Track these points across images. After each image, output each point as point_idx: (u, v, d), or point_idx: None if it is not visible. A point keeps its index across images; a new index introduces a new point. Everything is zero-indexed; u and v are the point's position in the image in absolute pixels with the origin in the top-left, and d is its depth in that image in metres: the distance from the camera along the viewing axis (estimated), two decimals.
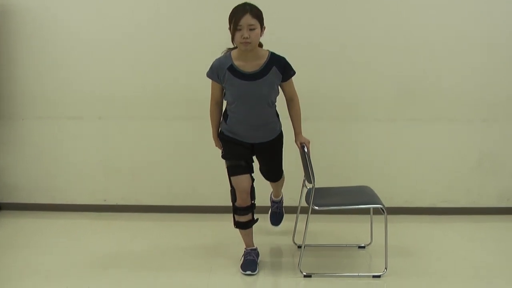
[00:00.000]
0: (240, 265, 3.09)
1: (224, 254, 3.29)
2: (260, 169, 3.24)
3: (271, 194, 3.49)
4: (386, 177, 3.90)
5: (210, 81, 2.96)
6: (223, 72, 2.87)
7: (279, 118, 3.08)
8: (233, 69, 2.85)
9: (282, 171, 3.28)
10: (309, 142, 3.03)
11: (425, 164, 3.91)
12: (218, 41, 3.70)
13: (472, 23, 3.69)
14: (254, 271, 3.02)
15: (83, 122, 3.90)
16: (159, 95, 3.84)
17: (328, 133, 3.85)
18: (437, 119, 3.83)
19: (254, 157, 3.12)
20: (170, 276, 3.03)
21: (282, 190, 3.44)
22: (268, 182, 3.37)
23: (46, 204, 4.04)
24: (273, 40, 3.69)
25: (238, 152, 2.99)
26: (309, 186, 3.07)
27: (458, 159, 3.90)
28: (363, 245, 3.40)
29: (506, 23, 3.69)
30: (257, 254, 3.15)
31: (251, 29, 2.74)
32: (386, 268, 3.02)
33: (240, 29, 2.73)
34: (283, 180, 3.37)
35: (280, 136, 3.11)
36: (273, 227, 3.53)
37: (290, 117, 3.05)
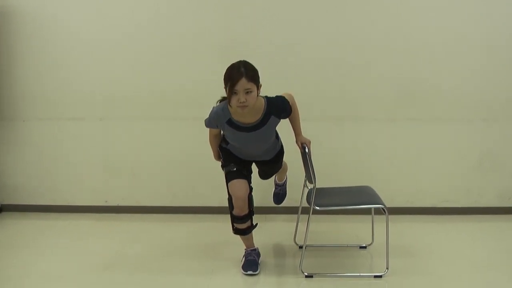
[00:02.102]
0: (241, 265, 3.08)
1: (225, 254, 3.29)
2: (258, 172, 3.27)
3: (275, 178, 3.49)
4: (387, 177, 3.90)
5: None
6: (221, 124, 2.87)
7: (278, 138, 3.10)
8: (231, 123, 2.84)
9: (278, 171, 3.30)
10: (309, 142, 3.02)
11: (426, 164, 3.91)
12: (218, 41, 3.72)
13: (471, 25, 3.69)
14: (255, 271, 3.02)
15: (84, 123, 3.90)
16: (159, 96, 3.83)
17: (329, 133, 3.85)
18: (438, 119, 3.83)
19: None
20: (171, 277, 3.03)
21: (286, 173, 3.47)
22: (267, 184, 3.37)
23: (47, 205, 4.04)
24: (274, 41, 3.71)
25: (237, 159, 3.02)
26: (310, 186, 3.07)
27: (458, 159, 3.90)
28: (364, 245, 3.39)
29: (506, 25, 3.69)
30: (258, 254, 3.14)
31: (247, 93, 2.66)
32: (387, 268, 3.01)
33: (236, 93, 2.66)
34: (286, 168, 3.40)
35: (280, 151, 3.14)
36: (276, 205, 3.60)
37: (289, 120, 3.04)
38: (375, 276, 2.99)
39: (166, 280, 2.99)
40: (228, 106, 2.79)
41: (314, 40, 3.73)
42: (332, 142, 3.86)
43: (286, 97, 2.91)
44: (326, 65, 3.76)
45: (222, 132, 3.01)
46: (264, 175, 3.30)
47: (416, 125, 3.85)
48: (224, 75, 2.69)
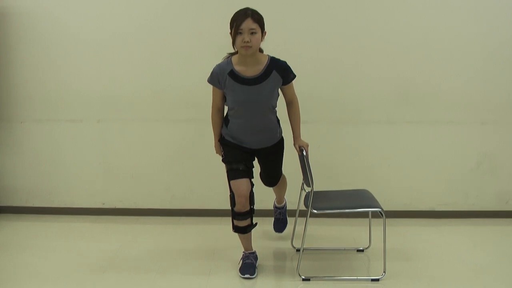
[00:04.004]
0: (238, 268, 3.08)
1: (222, 257, 3.29)
2: (260, 175, 3.26)
3: (274, 201, 3.49)
4: (385, 180, 3.89)
5: (209, 83, 2.96)
6: (223, 77, 2.88)
7: (279, 124, 3.09)
8: (233, 74, 2.87)
9: (281, 174, 3.28)
10: (307, 146, 3.03)
11: (424, 167, 3.90)
12: (218, 41, 3.70)
13: (471, 26, 3.69)
14: (253, 274, 3.02)
15: (82, 125, 3.90)
16: (158, 98, 3.83)
17: (327, 136, 3.84)
18: (436, 122, 3.83)
19: (255, 162, 3.13)
20: (168, 279, 3.03)
21: (284, 196, 3.46)
22: (265, 187, 3.36)
23: (45, 207, 4.03)
24: (273, 41, 3.70)
25: (238, 156, 3.00)
26: (308, 189, 3.06)
27: (456, 162, 3.90)
28: (361, 248, 3.39)
29: (505, 27, 3.68)
30: (256, 258, 3.14)
31: (252, 33, 2.76)
32: (384, 272, 3.02)
33: (241, 33, 2.75)
34: (285, 186, 3.38)
35: (281, 142, 3.13)
36: (276, 233, 3.56)
37: (290, 120, 3.06)
38: (372, 280, 3.00)
39: (164, 282, 2.99)
40: (231, 58, 2.89)
41: (313, 42, 3.72)
42: (330, 145, 3.85)
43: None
44: (325, 67, 3.76)
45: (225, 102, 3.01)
46: (266, 177, 3.25)
47: (414, 127, 3.84)
48: (230, 21, 2.80)
